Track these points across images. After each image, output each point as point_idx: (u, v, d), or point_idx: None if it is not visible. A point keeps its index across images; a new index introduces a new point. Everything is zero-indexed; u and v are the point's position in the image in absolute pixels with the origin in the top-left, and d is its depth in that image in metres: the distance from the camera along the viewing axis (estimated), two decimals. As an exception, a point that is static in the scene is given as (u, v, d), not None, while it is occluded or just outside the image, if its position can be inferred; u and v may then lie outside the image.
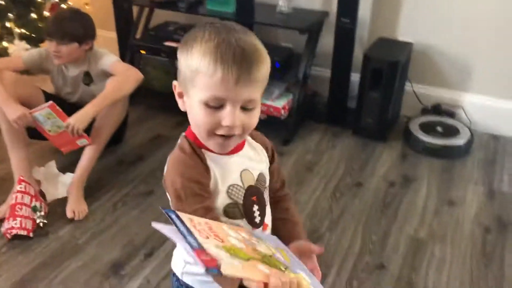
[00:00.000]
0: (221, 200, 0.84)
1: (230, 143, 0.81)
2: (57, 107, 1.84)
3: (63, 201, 1.92)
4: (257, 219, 0.89)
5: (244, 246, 0.68)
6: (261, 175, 0.90)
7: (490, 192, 2.08)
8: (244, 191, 0.86)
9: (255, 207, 0.88)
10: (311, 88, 2.63)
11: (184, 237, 0.64)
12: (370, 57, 2.30)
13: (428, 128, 2.40)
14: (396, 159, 2.32)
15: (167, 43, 2.54)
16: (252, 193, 0.88)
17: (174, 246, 1.72)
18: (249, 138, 0.90)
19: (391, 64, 2.26)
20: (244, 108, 0.77)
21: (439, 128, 2.40)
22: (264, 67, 0.78)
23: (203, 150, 0.84)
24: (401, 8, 2.47)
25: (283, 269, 0.68)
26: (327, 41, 2.50)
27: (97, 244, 1.76)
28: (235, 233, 0.70)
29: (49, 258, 1.68)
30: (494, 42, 2.36)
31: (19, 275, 1.61)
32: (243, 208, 0.86)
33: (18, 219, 1.73)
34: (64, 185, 1.98)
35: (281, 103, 2.42)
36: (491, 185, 2.13)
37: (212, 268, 0.60)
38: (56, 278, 1.60)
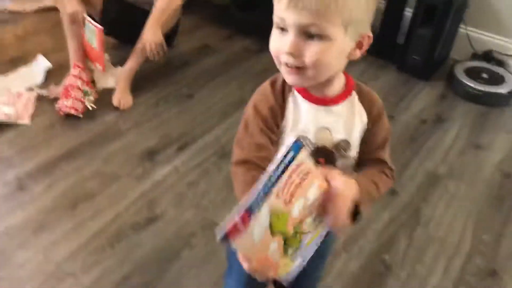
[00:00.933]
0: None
1: (300, 77, 0.73)
2: (102, 36, 1.96)
3: (111, 91, 2.09)
4: None
5: (298, 214, 0.65)
6: (343, 142, 0.80)
7: (521, 142, 2.09)
8: (311, 149, 0.78)
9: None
10: None
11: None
12: (427, -9, 2.25)
13: (473, 73, 2.37)
14: (435, 99, 2.33)
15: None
16: (322, 155, 0.79)
17: (204, 142, 1.88)
18: (354, 94, 0.82)
19: (446, 2, 2.21)
20: (310, 36, 0.70)
21: (484, 75, 2.36)
22: None
23: (295, 89, 0.79)
24: None
25: (291, 253, 0.67)
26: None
27: (137, 132, 1.94)
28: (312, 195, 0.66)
29: (95, 137, 1.88)
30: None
31: (68, 146, 1.82)
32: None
33: (71, 99, 1.92)
34: (114, 76, 2.15)
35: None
36: (524, 135, 2.12)
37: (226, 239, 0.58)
38: (99, 154, 1.81)
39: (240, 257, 0.64)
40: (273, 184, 0.60)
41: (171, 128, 1.98)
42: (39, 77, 2.15)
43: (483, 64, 2.44)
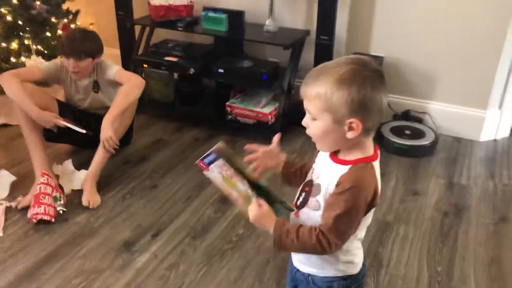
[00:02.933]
0: None
1: (313, 142, 1.06)
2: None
3: (78, 193, 2.21)
4: (298, 203, 1.10)
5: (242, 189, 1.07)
6: (317, 185, 1.06)
7: (449, 184, 2.40)
8: (306, 179, 1.12)
9: (302, 195, 1.10)
10: (295, 97, 2.95)
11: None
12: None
13: (398, 131, 2.73)
14: (370, 158, 2.63)
15: (167, 58, 2.86)
16: (308, 185, 1.09)
17: (175, 226, 2.01)
18: (344, 167, 1.02)
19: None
20: (311, 117, 1.02)
21: (407, 131, 2.73)
22: (315, 88, 0.98)
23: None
24: (373, 26, 2.82)
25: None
26: (308, 56, 2.84)
27: (110, 227, 2.04)
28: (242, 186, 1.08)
29: (70, 238, 1.96)
30: (455, 56, 2.70)
31: (47, 251, 1.89)
32: (301, 186, 1.13)
33: (43, 206, 2.01)
34: (79, 179, 2.27)
35: (268, 110, 2.74)
36: (451, 179, 2.45)
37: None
38: (77, 253, 1.89)
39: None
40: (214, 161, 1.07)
41: (141, 218, 2.10)
42: (4, 191, 2.22)
43: (405, 123, 2.82)
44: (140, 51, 3.07)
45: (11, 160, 2.48)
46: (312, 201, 1.06)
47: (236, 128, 2.82)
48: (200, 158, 1.08)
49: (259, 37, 2.83)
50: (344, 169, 1.02)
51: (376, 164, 1.04)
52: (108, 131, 2.15)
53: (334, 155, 1.06)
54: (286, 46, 2.66)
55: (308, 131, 1.04)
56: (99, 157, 2.25)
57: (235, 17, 2.84)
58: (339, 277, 1.13)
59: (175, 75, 3.13)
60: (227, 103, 2.82)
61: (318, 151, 1.12)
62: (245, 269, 1.84)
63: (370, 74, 0.97)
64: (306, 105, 1.02)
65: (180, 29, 2.89)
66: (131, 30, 3.15)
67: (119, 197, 2.24)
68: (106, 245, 1.94)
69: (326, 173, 1.05)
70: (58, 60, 2.36)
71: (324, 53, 2.73)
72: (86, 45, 2.22)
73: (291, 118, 2.86)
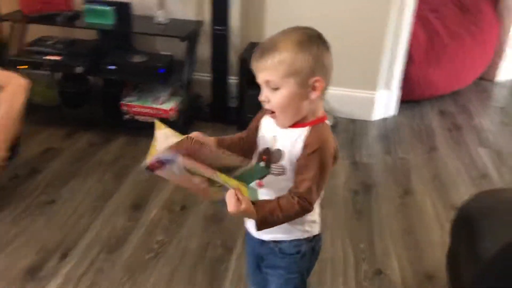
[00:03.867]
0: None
1: (274, 116, 1.05)
2: None
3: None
4: None
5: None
6: (277, 151, 1.06)
7: (353, 164, 2.51)
8: (262, 148, 1.11)
9: (261, 164, 1.09)
10: (194, 91, 2.85)
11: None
12: (245, 60, 2.60)
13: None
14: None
15: (49, 57, 2.56)
16: (265, 153, 1.09)
17: (85, 243, 1.80)
18: (306, 129, 1.04)
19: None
20: (272, 88, 1.01)
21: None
22: (276, 55, 0.98)
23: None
24: (265, 15, 2.82)
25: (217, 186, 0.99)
26: (203, 48, 2.75)
27: (7, 254, 1.77)
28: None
29: (-42, 275, 1.66)
30: (344, 41, 2.80)
31: None
32: (257, 156, 1.12)
33: None
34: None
35: (168, 106, 2.60)
36: (354, 158, 2.56)
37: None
38: (-29, 291, 1.60)
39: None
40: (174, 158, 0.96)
41: (44, 238, 1.86)
42: None
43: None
44: (13, 52, 2.71)
45: None
46: (274, 167, 1.07)
47: (135, 127, 2.64)
48: (155, 159, 0.99)
49: (151, 29, 2.66)
50: (304, 131, 1.04)
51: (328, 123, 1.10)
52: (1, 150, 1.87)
53: None
54: (182, 38, 2.54)
55: (269, 105, 1.03)
56: None
57: (122, 9, 2.64)
58: (305, 238, 1.15)
59: (56, 75, 2.82)
60: (123, 102, 2.62)
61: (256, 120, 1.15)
62: (173, 276, 1.71)
63: (319, 38, 1.04)
64: (265, 77, 1.01)
65: (59, 24, 2.61)
66: (-1, 28, 2.77)
67: (13, 218, 1.95)
68: (6, 276, 1.67)
69: (285, 138, 1.06)
70: None
71: (220, 43, 2.67)
72: None
73: (192, 113, 2.77)
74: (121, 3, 2.64)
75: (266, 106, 1.04)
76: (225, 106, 2.83)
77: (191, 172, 0.97)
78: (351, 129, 2.88)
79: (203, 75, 2.85)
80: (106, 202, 2.08)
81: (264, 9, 2.80)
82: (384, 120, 3.01)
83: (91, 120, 2.74)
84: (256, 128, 1.14)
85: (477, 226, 1.37)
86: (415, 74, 3.06)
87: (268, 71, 1.00)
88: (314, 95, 1.02)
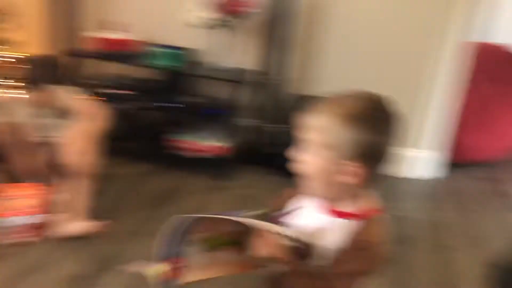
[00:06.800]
0: None
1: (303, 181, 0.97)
2: None
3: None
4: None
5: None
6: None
7: (391, 216, 2.56)
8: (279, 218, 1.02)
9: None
10: (245, 135, 3.03)
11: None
12: (297, 111, 2.75)
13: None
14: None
15: (116, 91, 2.85)
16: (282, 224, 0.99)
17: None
18: (353, 222, 0.94)
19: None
20: (310, 149, 0.93)
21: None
22: (320, 119, 0.89)
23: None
24: (322, 70, 3.00)
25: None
26: (259, 95, 2.96)
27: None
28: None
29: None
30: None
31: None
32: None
33: None
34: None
35: (218, 145, 2.79)
36: (391, 211, 2.62)
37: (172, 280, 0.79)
38: None
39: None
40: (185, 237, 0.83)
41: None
42: None
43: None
44: (88, 83, 2.99)
45: None
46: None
47: (180, 162, 2.82)
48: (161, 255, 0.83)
49: (211, 74, 2.89)
50: (355, 223, 0.91)
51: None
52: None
53: (331, 206, 0.94)
54: (240, 84, 2.75)
55: (299, 167, 0.93)
56: None
57: (189, 54, 2.90)
58: None
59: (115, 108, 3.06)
60: (174, 137, 2.82)
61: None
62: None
63: (382, 116, 0.89)
64: (306, 136, 0.91)
65: (131, 63, 2.88)
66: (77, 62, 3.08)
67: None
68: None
69: (326, 229, 0.92)
70: None
71: (275, 92, 2.86)
72: None
73: (242, 156, 2.90)
74: (188, 48, 2.91)
75: (298, 166, 0.93)
76: (271, 152, 2.98)
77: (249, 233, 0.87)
78: (391, 184, 2.95)
79: (256, 121, 3.04)
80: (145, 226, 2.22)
81: (321, 64, 2.99)
82: (430, 179, 3.08)
83: (141, 152, 2.94)
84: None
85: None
86: (464, 138, 3.11)
87: (308, 131, 0.90)
88: (350, 180, 0.88)
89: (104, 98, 2.78)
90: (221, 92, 3.07)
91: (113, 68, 3.09)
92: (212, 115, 2.77)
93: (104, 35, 2.88)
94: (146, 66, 2.90)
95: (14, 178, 2.12)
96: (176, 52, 2.83)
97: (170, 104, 2.81)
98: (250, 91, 2.96)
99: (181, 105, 2.82)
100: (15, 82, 2.17)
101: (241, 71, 2.93)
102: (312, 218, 0.95)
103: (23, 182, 2.10)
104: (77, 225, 2.05)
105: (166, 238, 0.81)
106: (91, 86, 2.85)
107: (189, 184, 2.65)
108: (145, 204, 2.40)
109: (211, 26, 2.77)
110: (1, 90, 2.21)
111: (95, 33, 2.89)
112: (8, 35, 2.65)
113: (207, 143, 2.79)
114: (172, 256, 0.80)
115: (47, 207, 2.06)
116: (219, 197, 2.55)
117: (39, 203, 2.06)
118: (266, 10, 2.82)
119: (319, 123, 0.88)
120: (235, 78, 2.79)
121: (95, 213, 2.14)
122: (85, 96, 2.69)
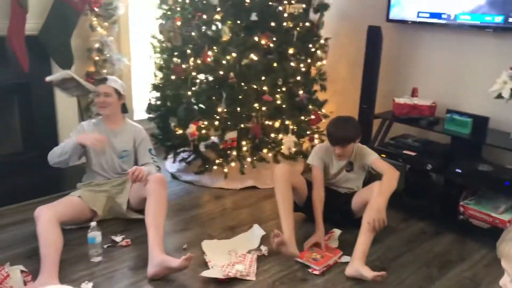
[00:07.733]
0: None
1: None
2: None
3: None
4: None
5: None
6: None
7: None
8: None
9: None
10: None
11: None
12: None
13: None
14: None
15: (406, 151, 3.07)
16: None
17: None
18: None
19: None
20: None
21: None
22: None
23: None
24: None
25: None
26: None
27: None
28: None
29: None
30: None
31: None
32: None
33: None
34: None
35: (507, 217, 2.67)
36: None
37: None
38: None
39: None
40: None
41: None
42: (256, 242, 2.60)
43: None
44: (376, 143, 3.33)
45: (258, 217, 2.91)
46: None
47: (466, 229, 2.81)
48: None
49: (502, 143, 2.82)
50: None
51: None
52: (384, 212, 2.40)
53: None
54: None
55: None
56: (366, 237, 2.41)
57: (479, 121, 2.92)
58: None
59: (406, 167, 3.29)
60: (461, 203, 2.84)
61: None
62: None
63: None
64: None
65: (422, 126, 3.08)
66: (370, 122, 3.46)
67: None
68: None
69: None
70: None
71: None
72: (351, 131, 2.57)
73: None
74: (480, 116, 2.93)
75: None
76: None
77: None
78: None
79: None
80: (430, 285, 2.31)
81: None
82: None
83: (428, 211, 3.05)
84: None
85: None
86: None
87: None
88: None
89: (403, 159, 3.07)
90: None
91: (401, 130, 3.35)
92: (506, 186, 2.69)
93: (410, 101, 3.17)
94: (440, 132, 3.05)
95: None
96: (466, 119, 2.89)
97: (460, 170, 2.86)
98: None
99: (480, 173, 2.84)
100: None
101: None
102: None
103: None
104: (359, 268, 2.30)
105: None
106: (393, 146, 3.17)
107: (466, 252, 2.63)
108: (419, 262, 2.51)
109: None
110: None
111: (403, 99, 3.21)
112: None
113: (499, 215, 2.70)
114: None
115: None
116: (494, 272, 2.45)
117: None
118: None
119: None
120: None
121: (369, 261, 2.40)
122: (385, 156, 3.05)
